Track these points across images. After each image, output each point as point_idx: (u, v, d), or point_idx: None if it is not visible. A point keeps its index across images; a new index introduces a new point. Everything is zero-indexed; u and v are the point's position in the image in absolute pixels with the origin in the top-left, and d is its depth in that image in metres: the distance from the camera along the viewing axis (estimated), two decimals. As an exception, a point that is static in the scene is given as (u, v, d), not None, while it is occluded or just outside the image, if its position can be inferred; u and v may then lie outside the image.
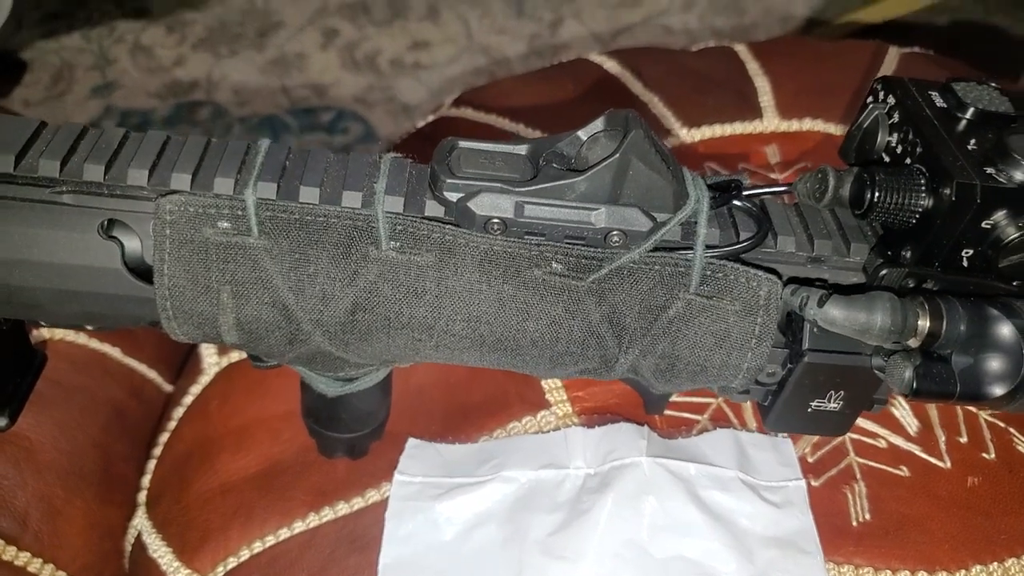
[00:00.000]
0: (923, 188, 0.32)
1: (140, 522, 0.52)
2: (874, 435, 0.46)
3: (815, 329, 0.34)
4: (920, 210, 0.32)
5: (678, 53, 0.73)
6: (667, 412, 0.47)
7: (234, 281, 0.33)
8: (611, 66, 0.70)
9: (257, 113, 1.34)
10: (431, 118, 0.72)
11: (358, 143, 1.29)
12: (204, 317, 0.34)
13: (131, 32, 1.47)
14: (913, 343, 0.32)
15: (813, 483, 0.45)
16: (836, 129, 0.64)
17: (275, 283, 0.33)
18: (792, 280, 0.35)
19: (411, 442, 0.47)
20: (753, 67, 0.69)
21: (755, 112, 0.65)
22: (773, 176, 0.61)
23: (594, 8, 1.50)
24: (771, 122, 0.64)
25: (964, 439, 0.46)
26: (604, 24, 1.47)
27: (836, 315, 0.32)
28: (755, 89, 0.67)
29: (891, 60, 0.69)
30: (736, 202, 0.35)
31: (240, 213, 0.32)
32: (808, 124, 0.64)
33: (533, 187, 0.32)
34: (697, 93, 0.66)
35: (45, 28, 1.48)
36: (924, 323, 0.32)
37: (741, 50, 0.71)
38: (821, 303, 0.32)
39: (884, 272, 0.34)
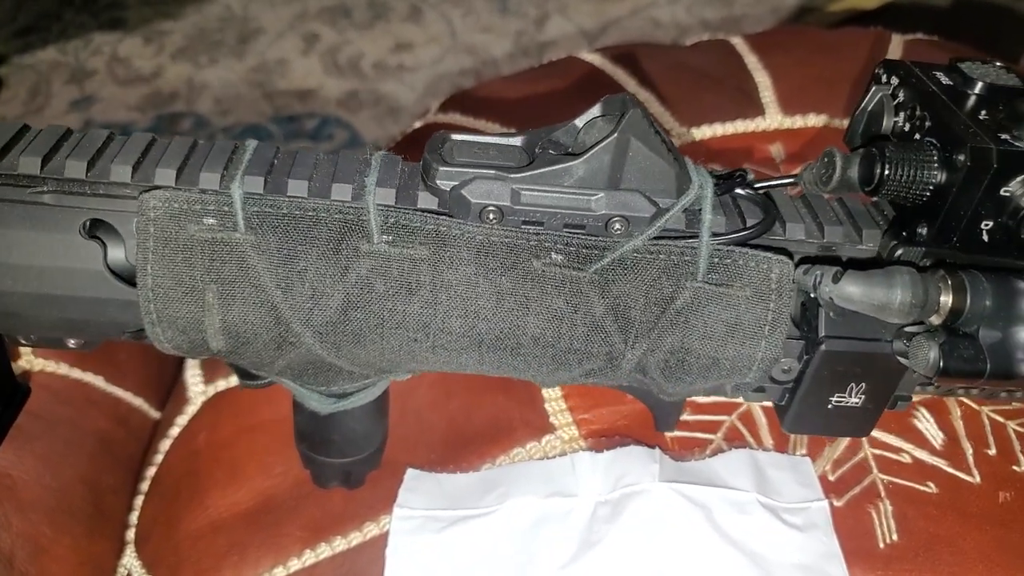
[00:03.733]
0: (935, 160, 0.31)
1: (129, 561, 0.50)
2: (897, 450, 0.44)
3: (831, 314, 0.33)
4: (933, 182, 0.31)
5: (672, 49, 0.71)
6: (678, 432, 0.45)
7: (220, 280, 0.31)
8: (603, 64, 0.68)
9: (240, 122, 1.31)
10: (418, 124, 0.69)
11: (343, 149, 1.27)
12: (189, 320, 0.32)
13: (108, 44, 1.44)
14: (935, 320, 0.31)
15: (836, 503, 0.43)
16: (843, 123, 0.61)
17: (263, 281, 0.31)
18: (804, 260, 0.34)
19: (410, 472, 0.45)
20: (752, 61, 0.67)
21: (757, 109, 0.63)
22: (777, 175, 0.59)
23: (580, 2, 1.48)
24: (774, 119, 0.62)
25: (993, 451, 0.44)
26: (590, 19, 1.45)
27: (853, 291, 0.31)
28: (755, 84, 0.65)
29: (895, 48, 0.67)
30: (740, 191, 0.34)
31: (226, 208, 0.31)
32: (813, 119, 0.62)
33: (529, 172, 0.31)
34: (695, 90, 0.64)
35: (20, 43, 1.45)
36: (947, 298, 0.30)
37: (738, 43, 0.69)
38: (836, 279, 0.31)
39: (900, 252, 0.32)
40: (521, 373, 0.35)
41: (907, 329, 0.33)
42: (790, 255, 0.33)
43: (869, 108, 0.36)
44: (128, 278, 0.32)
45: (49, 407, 0.54)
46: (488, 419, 0.47)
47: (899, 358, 0.34)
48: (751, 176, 0.35)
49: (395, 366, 0.35)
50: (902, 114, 0.34)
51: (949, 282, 0.30)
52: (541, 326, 0.32)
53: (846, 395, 0.35)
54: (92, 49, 1.43)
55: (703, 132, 0.62)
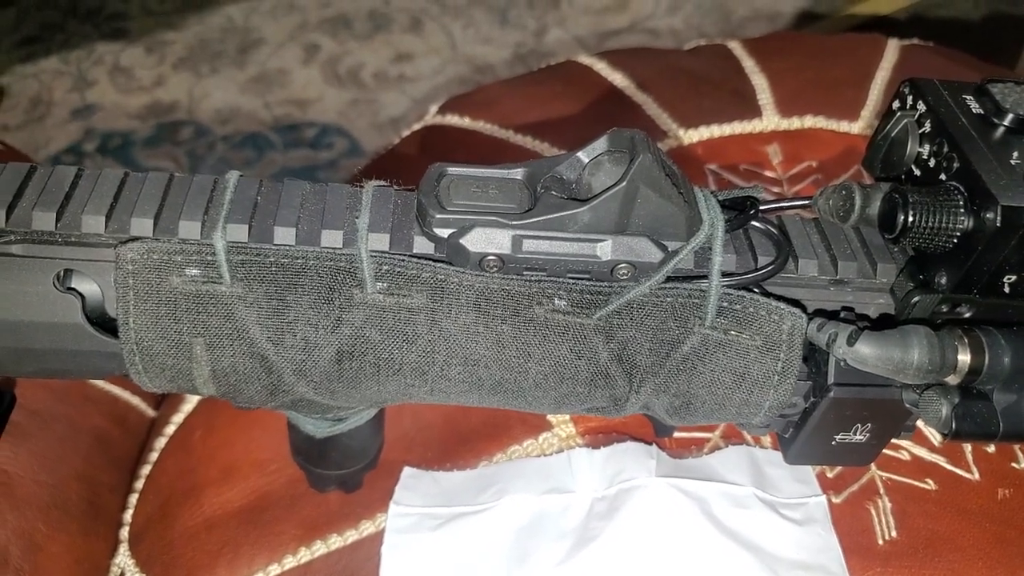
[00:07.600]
0: (962, 209, 0.29)
1: (123, 560, 0.50)
2: (896, 446, 0.44)
3: (842, 362, 0.32)
4: (959, 233, 0.29)
5: (670, 53, 0.72)
6: (676, 432, 0.45)
7: (207, 332, 0.30)
8: (601, 68, 0.68)
9: (240, 131, 1.32)
10: (416, 127, 0.69)
11: (343, 158, 1.27)
12: (177, 371, 0.31)
13: (110, 53, 1.45)
14: (952, 380, 0.30)
15: (834, 500, 0.42)
16: (839, 125, 0.62)
17: (252, 333, 0.30)
18: (818, 312, 0.32)
19: (407, 471, 0.45)
20: (749, 65, 0.67)
21: (754, 111, 0.63)
22: (775, 176, 0.59)
23: (579, 15, 1.48)
24: (771, 121, 0.62)
25: (991, 448, 0.44)
26: (589, 31, 1.46)
27: (868, 353, 0.29)
28: (753, 87, 0.65)
29: (891, 53, 0.67)
30: (754, 222, 0.33)
31: (209, 259, 0.29)
32: (809, 121, 0.62)
33: (531, 219, 0.29)
34: (693, 93, 0.65)
35: (22, 52, 1.45)
36: (964, 358, 0.29)
37: (735, 47, 0.69)
38: (851, 341, 0.30)
39: (916, 299, 0.31)
40: (521, 409, 0.34)
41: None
42: (803, 307, 0.32)
43: (892, 134, 0.34)
44: (109, 327, 0.31)
45: (46, 404, 0.53)
46: (485, 417, 0.47)
47: (909, 407, 0.33)
48: (762, 195, 0.33)
49: (391, 403, 0.35)
50: (928, 146, 0.32)
51: (967, 342, 0.30)
52: (544, 372, 0.32)
53: (851, 434, 0.34)
54: (94, 59, 1.44)
55: (701, 133, 0.62)
